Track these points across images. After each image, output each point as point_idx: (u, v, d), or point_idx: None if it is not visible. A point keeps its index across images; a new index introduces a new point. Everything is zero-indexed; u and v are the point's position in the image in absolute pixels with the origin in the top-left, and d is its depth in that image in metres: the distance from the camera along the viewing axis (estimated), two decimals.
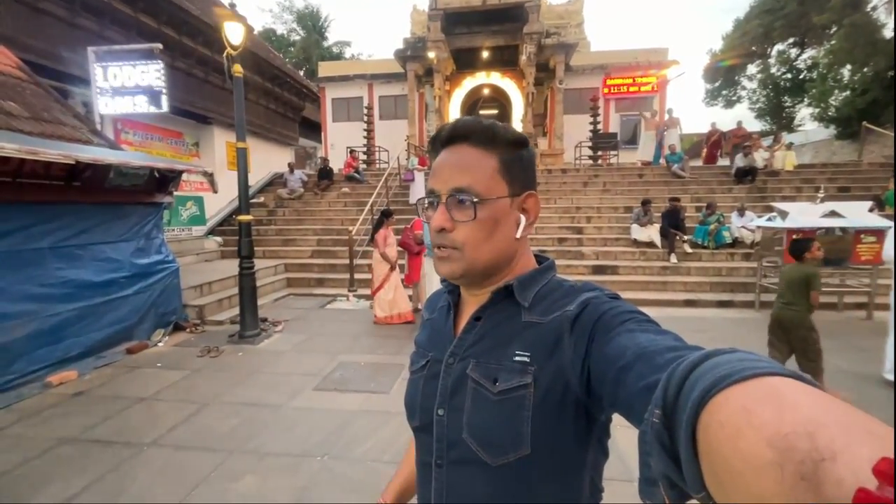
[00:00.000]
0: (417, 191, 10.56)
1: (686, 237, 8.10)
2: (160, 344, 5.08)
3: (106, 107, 6.20)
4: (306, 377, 4.09)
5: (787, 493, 0.24)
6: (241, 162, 4.97)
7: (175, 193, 9.20)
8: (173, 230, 9.05)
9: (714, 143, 12.94)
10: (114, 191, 4.84)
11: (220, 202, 10.91)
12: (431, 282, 5.03)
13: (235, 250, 9.28)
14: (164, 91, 6.08)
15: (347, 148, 13.93)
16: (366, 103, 17.27)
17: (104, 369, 4.32)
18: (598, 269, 7.87)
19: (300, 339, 5.26)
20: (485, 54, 14.85)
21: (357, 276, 7.61)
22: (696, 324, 5.76)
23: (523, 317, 0.65)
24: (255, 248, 9.30)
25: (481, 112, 18.24)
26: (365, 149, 15.29)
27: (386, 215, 5.96)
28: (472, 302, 0.73)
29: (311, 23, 30.35)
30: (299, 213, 11.02)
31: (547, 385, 0.58)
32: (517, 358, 0.61)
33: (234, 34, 4.62)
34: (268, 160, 13.04)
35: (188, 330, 5.57)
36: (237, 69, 4.75)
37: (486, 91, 17.26)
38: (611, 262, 8.06)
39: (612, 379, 0.49)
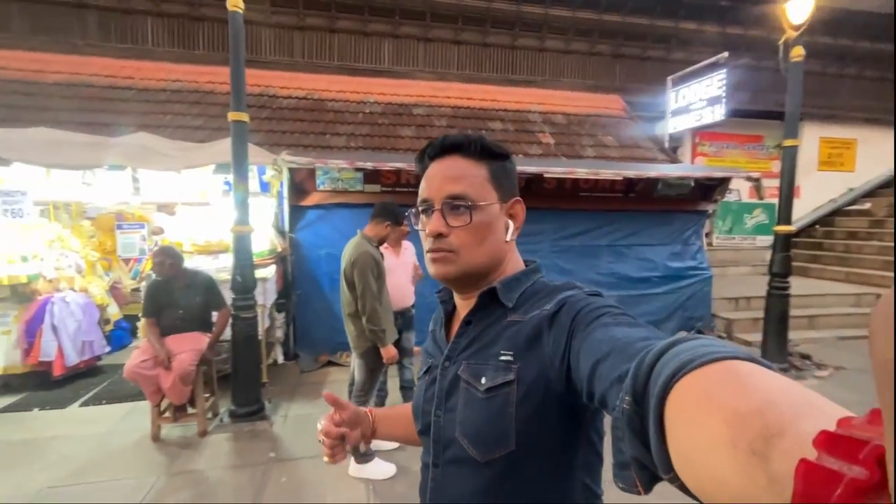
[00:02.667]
0: None
1: None
2: None
3: (673, 126, 6.98)
4: None
5: (741, 468, 0.25)
6: (786, 162, 4.13)
7: (742, 201, 8.95)
8: (734, 238, 8.80)
9: None
10: (660, 200, 5.45)
11: (802, 209, 9.34)
12: None
13: (805, 266, 7.79)
14: (723, 99, 6.01)
15: None
16: None
17: None
18: None
19: (862, 398, 3.66)
20: None
21: None
22: None
23: (508, 317, 0.67)
24: (839, 268, 7.41)
25: None
26: None
27: None
28: (463, 307, 0.75)
29: None
30: None
31: (529, 382, 0.60)
32: (502, 357, 0.63)
33: (796, 12, 3.85)
34: (886, 152, 9.64)
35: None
36: (797, 52, 3.93)
37: None
38: None
39: (588, 373, 0.50)
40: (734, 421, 0.27)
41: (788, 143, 4.10)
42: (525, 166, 4.52)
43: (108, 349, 4.20)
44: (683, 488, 0.31)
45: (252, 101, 5.99)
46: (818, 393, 0.28)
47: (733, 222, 8.81)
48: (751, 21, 7.97)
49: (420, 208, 0.73)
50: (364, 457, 2.63)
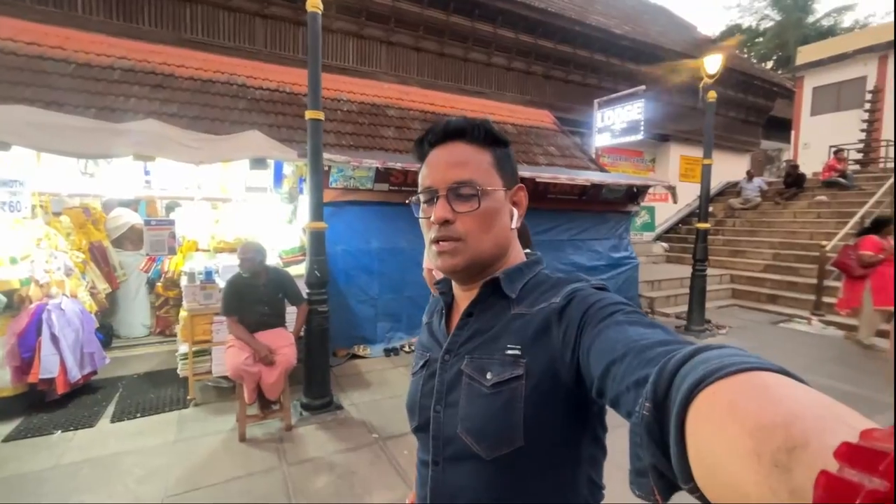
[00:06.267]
0: None
1: None
2: None
3: (599, 140, 8.43)
4: None
5: (762, 480, 0.25)
6: (704, 176, 5.57)
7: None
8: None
9: None
10: (602, 202, 6.67)
11: (668, 211, 11.87)
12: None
13: (679, 255, 9.98)
14: (641, 122, 7.56)
15: (831, 147, 11.39)
16: (870, 85, 13.24)
17: None
18: None
19: (748, 345, 5.30)
20: None
21: (827, 299, 6.47)
22: None
23: (512, 309, 0.66)
24: None
25: None
26: (861, 145, 11.93)
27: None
28: (464, 298, 0.74)
29: (792, 1, 25.84)
30: (752, 224, 10.26)
31: (538, 377, 0.59)
32: (509, 351, 0.62)
33: (711, 66, 5.25)
34: (721, 169, 12.76)
35: None
36: (711, 95, 5.35)
37: None
38: None
39: (601, 371, 0.48)
40: (758, 432, 0.26)
41: (706, 161, 5.54)
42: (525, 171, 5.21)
43: (107, 360, 3.70)
44: (703, 499, 0.31)
45: (221, 90, 5.60)
46: (816, 391, 0.29)
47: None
48: (640, 62, 9.93)
49: (423, 197, 0.70)
50: None
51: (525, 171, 5.28)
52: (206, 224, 3.84)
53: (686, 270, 8.45)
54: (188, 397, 3.42)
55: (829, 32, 23.41)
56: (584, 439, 0.63)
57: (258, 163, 3.74)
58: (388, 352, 4.79)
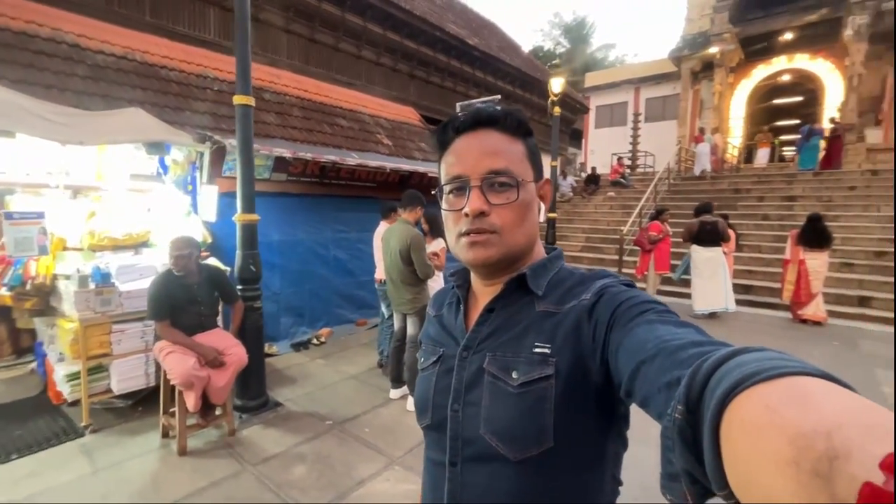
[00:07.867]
0: None
1: None
2: None
3: None
4: None
5: (802, 490, 0.24)
6: (553, 176, 6.91)
7: None
8: None
9: None
10: None
11: None
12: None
13: None
14: None
15: (613, 154, 14.96)
16: (631, 108, 17.75)
17: None
18: None
19: None
20: (787, 36, 13.16)
21: (624, 270, 8.73)
22: None
23: (537, 306, 0.64)
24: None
25: (778, 102, 15.94)
26: (629, 154, 15.93)
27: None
28: (484, 294, 0.71)
29: (576, 33, 32.07)
30: (569, 214, 12.81)
31: (568, 376, 0.58)
32: (537, 349, 0.60)
33: (555, 86, 6.55)
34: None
35: None
36: (556, 110, 6.67)
37: (784, 78, 15.04)
38: None
39: (630, 371, 0.48)
40: (799, 440, 0.25)
41: (553, 163, 6.88)
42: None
43: None
44: None
45: (46, 48, 4.45)
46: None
47: None
48: (487, 72, 11.30)
49: (448, 187, 0.66)
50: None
51: (406, 165, 5.74)
52: (77, 217, 3.12)
53: None
54: (82, 424, 2.86)
55: (603, 61, 30.08)
56: (611, 436, 0.62)
57: (155, 147, 3.27)
58: (297, 346, 4.69)
